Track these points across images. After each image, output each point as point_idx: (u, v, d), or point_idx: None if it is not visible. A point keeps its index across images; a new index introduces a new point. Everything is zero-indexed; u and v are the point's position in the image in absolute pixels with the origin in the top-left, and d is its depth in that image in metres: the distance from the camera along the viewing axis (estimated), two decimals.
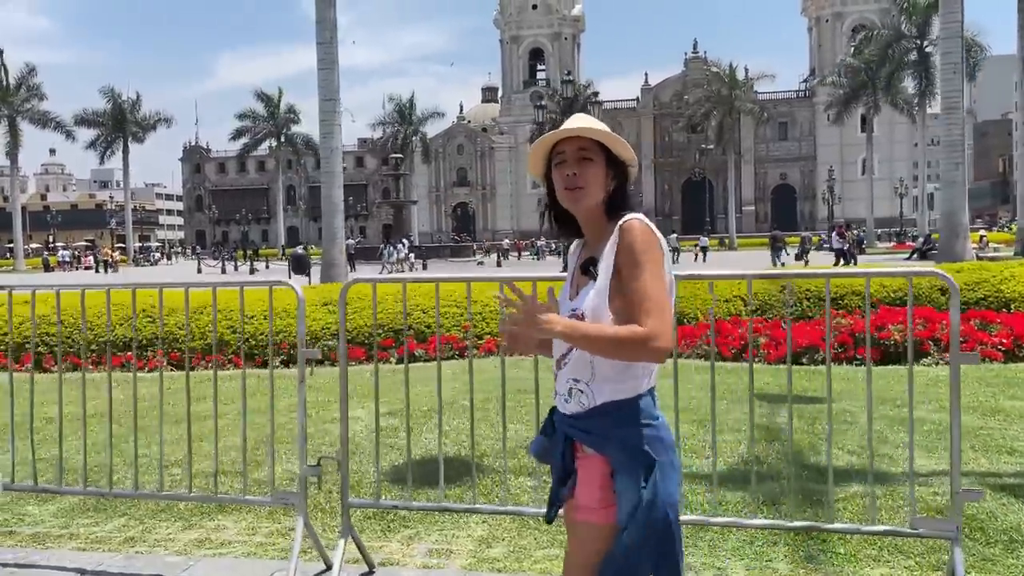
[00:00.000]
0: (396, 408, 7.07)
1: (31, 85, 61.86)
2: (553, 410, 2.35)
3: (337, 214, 20.94)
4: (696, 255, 49.75)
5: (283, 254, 74.05)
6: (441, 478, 4.19)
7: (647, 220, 2.19)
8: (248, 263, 54.02)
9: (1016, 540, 4.14)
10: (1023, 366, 8.85)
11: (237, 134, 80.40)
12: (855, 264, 31.24)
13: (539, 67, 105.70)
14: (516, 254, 65.64)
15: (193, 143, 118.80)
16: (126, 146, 72.28)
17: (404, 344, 3.79)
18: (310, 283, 22.77)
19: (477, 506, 4.15)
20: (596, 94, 57.46)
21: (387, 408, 7.20)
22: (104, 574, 4.13)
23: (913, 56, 57.81)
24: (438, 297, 3.99)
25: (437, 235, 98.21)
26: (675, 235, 55.25)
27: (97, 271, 56.77)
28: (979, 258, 24.40)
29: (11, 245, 67.06)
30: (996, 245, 43.29)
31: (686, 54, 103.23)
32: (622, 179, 2.29)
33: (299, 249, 30.10)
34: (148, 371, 9.55)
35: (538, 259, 59.48)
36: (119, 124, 71.01)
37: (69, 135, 66.72)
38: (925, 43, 56.18)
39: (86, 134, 71.20)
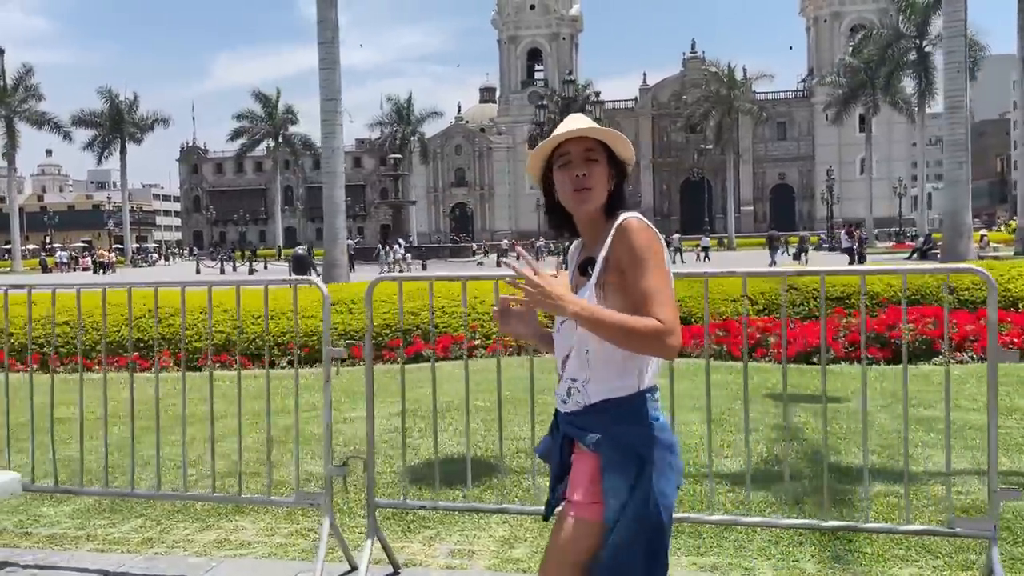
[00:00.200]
0: (408, 408, 7.02)
1: (28, 86, 61.76)
2: (557, 411, 2.34)
3: (339, 214, 20.90)
4: (698, 255, 50.25)
5: (280, 255, 74.04)
6: (469, 478, 4.16)
7: (643, 218, 2.18)
8: (247, 264, 53.96)
9: None
10: None
11: (235, 135, 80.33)
12: (864, 263, 31.44)
13: (537, 67, 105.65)
14: (515, 254, 65.69)
15: (190, 144, 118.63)
16: (123, 147, 72.20)
17: (432, 342, 3.75)
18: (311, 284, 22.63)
19: (505, 506, 4.12)
20: (598, 93, 57.40)
21: (397, 409, 7.16)
22: (127, 575, 4.09)
23: (912, 56, 57.89)
24: (465, 296, 3.94)
25: (435, 235, 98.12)
26: (678, 236, 55.70)
27: (95, 272, 56.62)
28: (980, 258, 24.43)
29: (8, 246, 66.91)
30: (995, 245, 43.40)
31: (684, 54, 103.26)
32: (620, 178, 2.28)
33: (300, 249, 29.97)
34: (162, 371, 9.50)
35: (538, 259, 59.55)
36: (116, 125, 70.94)
37: (67, 136, 66.63)
38: (924, 43, 56.26)
39: (83, 135, 71.22)
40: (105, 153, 72.00)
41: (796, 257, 40.97)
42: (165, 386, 6.95)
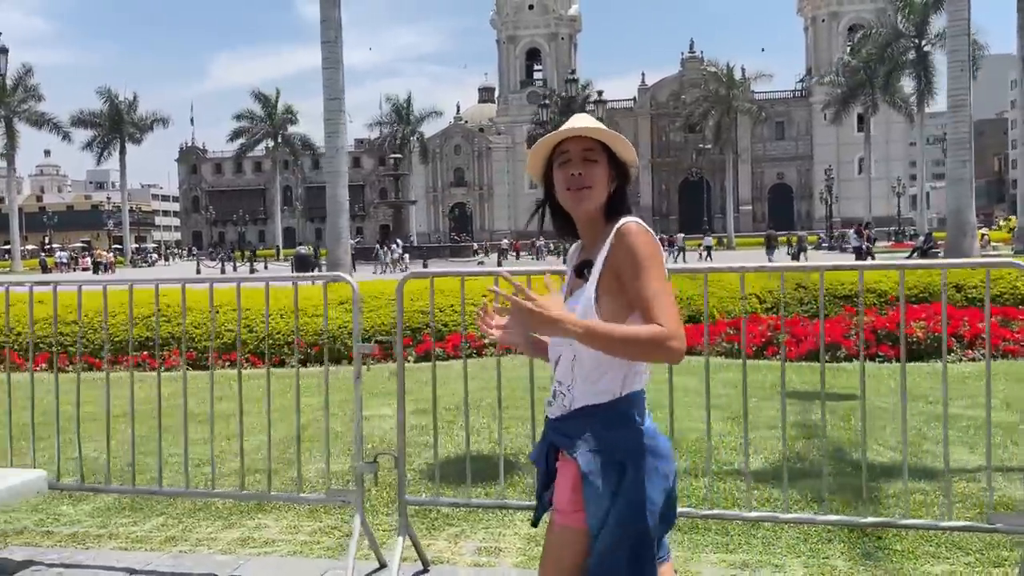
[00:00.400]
0: (422, 408, 7.00)
1: (28, 86, 61.64)
2: (547, 417, 2.31)
3: (342, 214, 20.82)
4: (700, 254, 50.69)
5: (279, 255, 73.96)
6: (501, 474, 4.14)
7: (644, 223, 2.15)
8: (247, 264, 53.89)
9: None
10: None
11: (235, 135, 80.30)
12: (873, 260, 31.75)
13: (536, 67, 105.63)
14: (515, 254, 65.78)
15: (189, 144, 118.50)
16: (123, 147, 72.12)
17: (464, 340, 3.72)
18: (313, 283, 22.65)
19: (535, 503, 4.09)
20: (600, 93, 57.38)
21: (413, 407, 7.14)
22: (155, 573, 4.06)
23: (911, 55, 57.95)
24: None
25: (435, 235, 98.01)
26: (682, 236, 56.21)
27: (95, 272, 56.55)
28: (982, 257, 24.45)
29: (8, 247, 66.78)
30: (995, 244, 43.51)
31: (683, 54, 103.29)
32: (622, 181, 2.26)
33: (302, 249, 29.97)
34: (180, 369, 9.48)
35: (538, 259, 59.60)
36: (116, 125, 70.87)
37: (66, 136, 66.52)
38: (923, 42, 56.32)
39: (82, 135, 71.10)
40: (105, 153, 71.92)
41: (795, 257, 41.13)
42: (178, 384, 6.92)
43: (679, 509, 4.13)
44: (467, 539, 4.39)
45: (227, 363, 9.50)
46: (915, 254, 40.17)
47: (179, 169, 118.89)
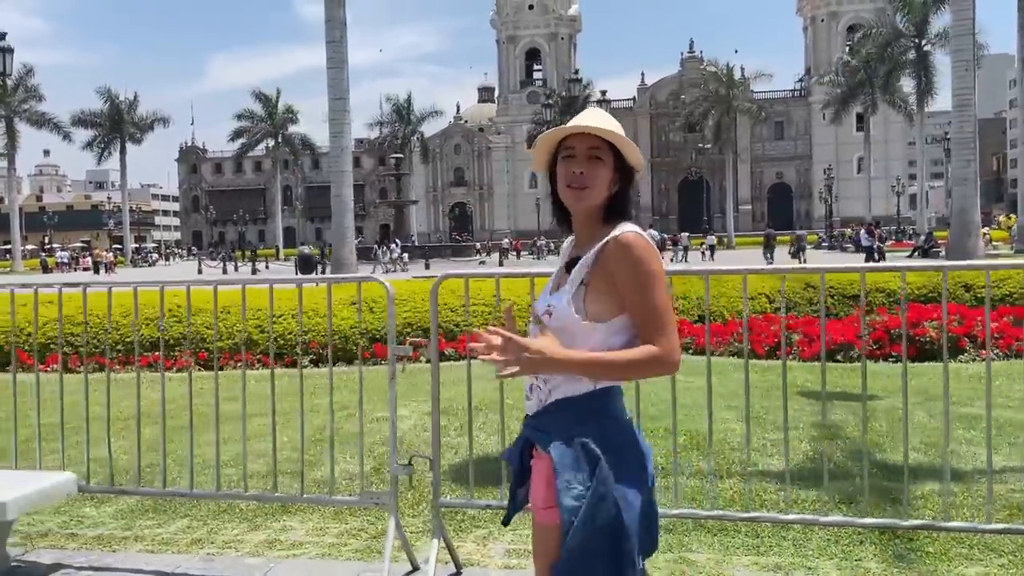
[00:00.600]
0: (443, 407, 6.97)
1: (28, 86, 61.59)
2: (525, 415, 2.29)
3: (347, 213, 20.83)
4: (703, 254, 50.90)
5: (279, 255, 73.90)
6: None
7: (641, 232, 2.13)
8: (249, 263, 53.85)
9: None
10: None
11: (236, 134, 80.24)
12: (883, 261, 31.89)
13: (536, 67, 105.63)
14: (515, 253, 65.79)
15: (189, 144, 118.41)
16: (123, 147, 72.05)
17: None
18: (317, 284, 22.61)
19: None
20: (604, 92, 57.46)
21: (428, 408, 7.12)
22: None
23: (911, 55, 57.98)
24: (534, 292, 3.91)
25: (435, 235, 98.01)
26: (687, 235, 56.30)
27: (96, 272, 56.48)
28: (985, 255, 24.49)
29: (8, 247, 66.70)
30: (995, 243, 43.56)
31: (682, 54, 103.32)
32: (625, 183, 2.23)
33: (305, 249, 29.94)
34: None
35: (538, 259, 59.60)
36: (116, 125, 70.80)
37: (66, 136, 66.48)
38: (923, 42, 56.34)
39: (83, 135, 71.01)
40: (105, 153, 71.84)
41: (794, 256, 41.20)
42: (197, 384, 6.91)
43: (715, 512, 4.14)
44: (495, 541, 4.38)
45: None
46: (916, 254, 40.24)
47: (179, 169, 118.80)
